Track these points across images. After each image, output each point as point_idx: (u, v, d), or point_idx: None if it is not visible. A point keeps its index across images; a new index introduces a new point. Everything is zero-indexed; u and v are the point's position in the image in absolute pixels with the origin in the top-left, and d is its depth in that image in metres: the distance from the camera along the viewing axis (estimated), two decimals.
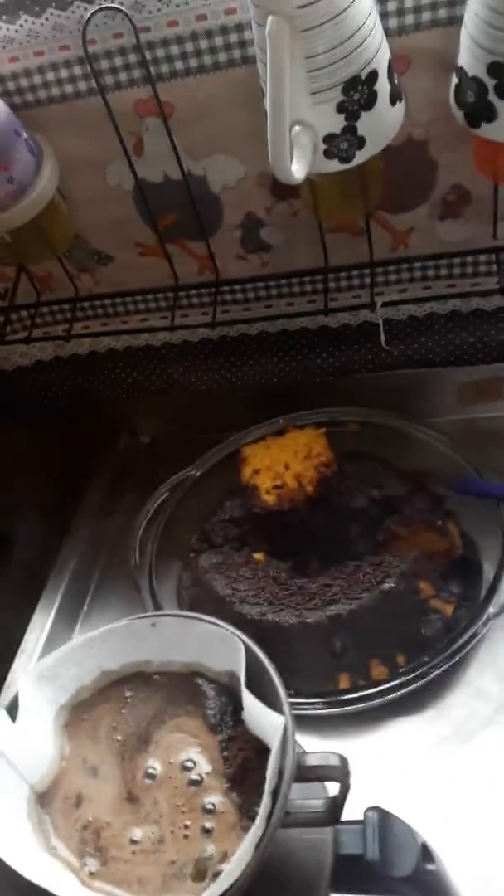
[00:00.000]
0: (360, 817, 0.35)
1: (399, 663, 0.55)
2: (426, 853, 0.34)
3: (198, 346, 0.76)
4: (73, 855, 0.30)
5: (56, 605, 0.69)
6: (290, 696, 0.53)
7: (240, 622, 0.51)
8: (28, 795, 0.31)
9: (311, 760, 0.29)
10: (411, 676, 0.53)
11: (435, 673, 0.54)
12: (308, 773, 0.29)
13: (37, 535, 0.79)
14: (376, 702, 0.54)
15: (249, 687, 0.31)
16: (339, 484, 0.63)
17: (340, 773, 0.28)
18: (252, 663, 0.31)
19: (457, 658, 0.54)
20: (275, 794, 0.27)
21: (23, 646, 0.66)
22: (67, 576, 0.72)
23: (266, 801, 0.27)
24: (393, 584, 0.55)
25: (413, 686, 0.54)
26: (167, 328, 0.68)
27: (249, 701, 0.30)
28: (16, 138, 0.55)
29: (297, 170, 0.48)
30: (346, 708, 0.53)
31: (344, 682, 0.54)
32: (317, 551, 0.63)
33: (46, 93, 0.58)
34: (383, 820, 0.34)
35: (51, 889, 0.28)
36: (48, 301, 0.73)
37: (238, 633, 0.32)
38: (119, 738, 0.33)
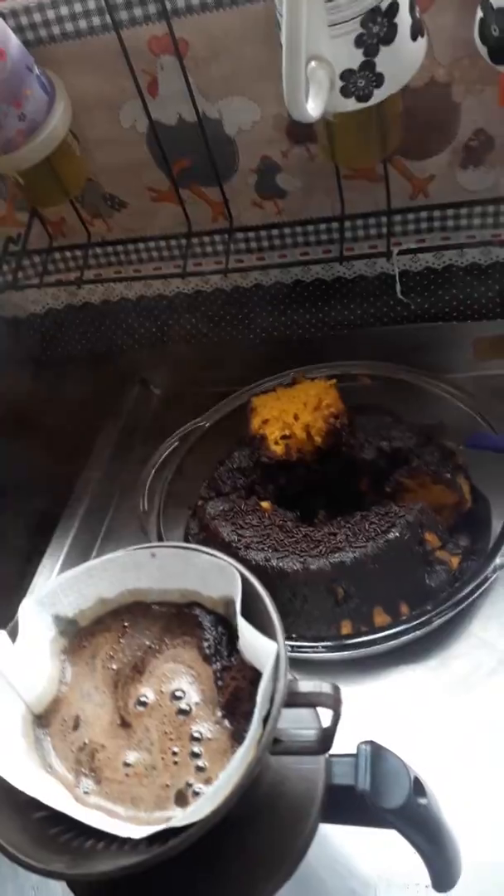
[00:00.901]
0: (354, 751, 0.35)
1: (402, 612, 0.55)
2: (418, 787, 0.34)
3: (211, 296, 0.76)
4: (70, 773, 0.31)
5: (65, 550, 0.70)
6: (292, 639, 0.54)
7: (244, 567, 0.51)
8: (24, 714, 0.32)
9: (304, 687, 0.29)
10: (414, 624, 0.53)
11: (438, 622, 0.54)
12: (299, 699, 0.29)
13: (47, 482, 0.79)
14: (378, 648, 0.54)
15: (245, 616, 0.31)
16: (348, 435, 0.62)
17: (332, 700, 0.29)
18: (248, 593, 0.32)
19: (461, 608, 0.54)
20: (265, 718, 0.28)
21: (31, 588, 0.67)
22: (77, 522, 0.72)
23: (255, 724, 0.27)
24: (397, 534, 0.54)
25: (416, 634, 0.54)
26: (179, 275, 0.67)
27: (244, 629, 0.31)
28: (28, 74, 0.54)
29: (313, 108, 0.47)
30: (347, 653, 0.53)
31: (346, 629, 0.55)
32: (324, 502, 0.63)
33: (60, 28, 0.57)
34: (376, 753, 0.34)
35: (48, 803, 0.28)
36: (61, 246, 0.73)
37: (235, 563, 0.32)
38: (115, 666, 0.34)
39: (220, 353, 0.79)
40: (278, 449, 0.62)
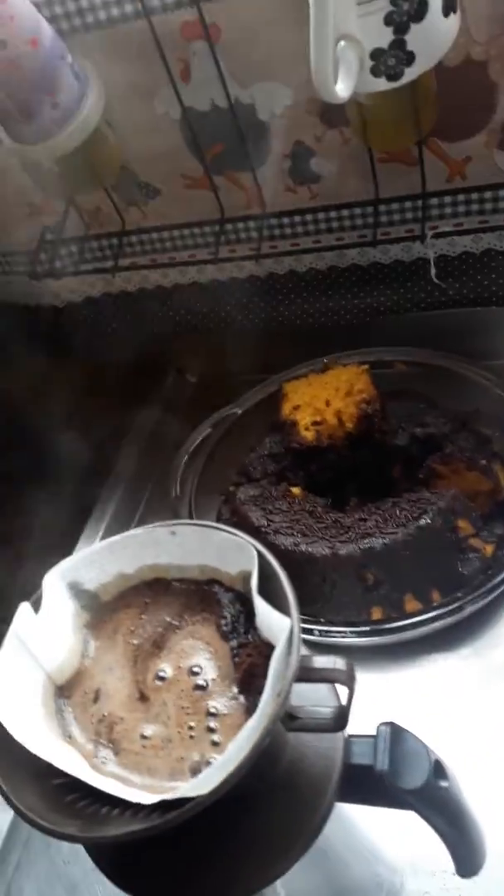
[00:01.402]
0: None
1: (434, 599, 0.54)
2: (439, 770, 0.34)
3: (245, 283, 0.76)
4: (89, 743, 0.31)
5: (100, 534, 0.71)
6: (320, 623, 0.54)
7: (273, 552, 0.51)
8: (45, 683, 0.32)
9: (318, 663, 0.29)
10: (445, 611, 0.53)
11: (470, 609, 0.53)
12: (313, 675, 0.29)
13: (83, 469, 0.80)
14: (409, 634, 0.53)
15: (262, 594, 0.31)
16: (380, 421, 0.62)
17: (346, 676, 0.28)
18: (265, 571, 0.32)
19: (493, 596, 0.53)
20: (278, 692, 0.28)
21: None
22: (112, 507, 0.73)
23: (266, 697, 0.27)
24: (429, 521, 0.54)
25: (447, 621, 0.53)
26: (210, 261, 0.67)
27: (260, 605, 0.31)
28: (61, 63, 0.55)
29: (342, 88, 0.47)
30: (377, 638, 0.53)
31: (377, 615, 0.54)
32: (355, 488, 0.62)
33: (92, 16, 0.58)
34: (396, 734, 0.34)
35: (64, 769, 0.29)
36: (96, 234, 0.73)
37: (252, 540, 0.32)
38: (136, 641, 0.34)
39: (255, 340, 0.79)
40: (309, 435, 0.62)
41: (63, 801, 0.29)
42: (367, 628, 0.54)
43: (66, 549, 0.71)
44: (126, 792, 0.27)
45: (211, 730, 0.31)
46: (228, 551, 0.34)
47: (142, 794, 0.27)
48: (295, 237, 0.70)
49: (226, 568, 0.34)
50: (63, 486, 0.80)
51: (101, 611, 0.35)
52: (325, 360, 0.68)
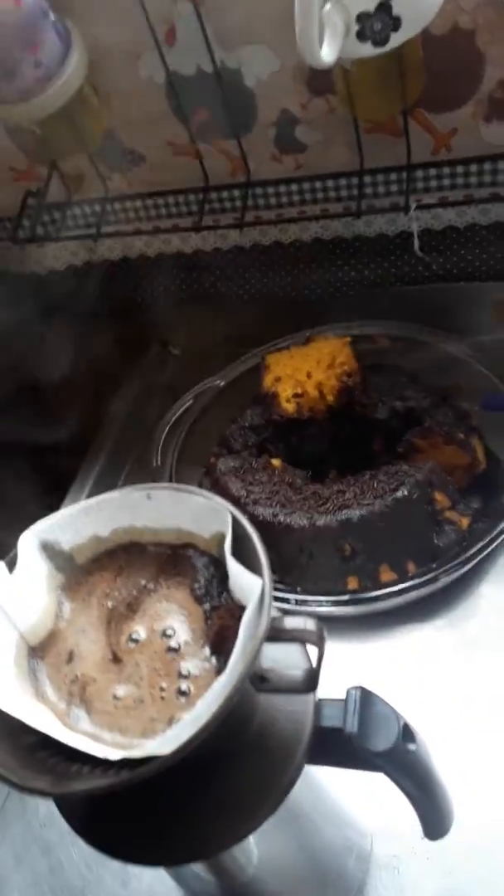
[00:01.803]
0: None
1: (409, 570, 0.55)
2: (407, 733, 0.35)
3: (229, 253, 0.75)
4: (62, 702, 0.32)
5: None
6: (297, 593, 0.55)
7: (252, 523, 0.51)
8: (18, 643, 0.32)
9: (288, 623, 0.29)
10: (420, 581, 0.53)
11: (445, 580, 0.54)
12: (283, 635, 0.29)
13: (64, 439, 0.80)
14: (384, 604, 0.54)
15: (237, 557, 0.31)
16: (361, 394, 0.62)
17: (315, 636, 0.29)
18: (238, 534, 0.32)
19: (468, 567, 0.54)
20: (247, 650, 0.28)
21: None
22: (93, 478, 0.74)
23: (236, 656, 0.27)
24: (406, 492, 0.54)
25: (422, 592, 0.54)
26: (193, 228, 0.66)
27: (233, 567, 0.31)
28: (43, 19, 0.54)
29: (327, 53, 0.46)
30: (353, 608, 0.54)
31: (353, 584, 0.55)
32: (334, 460, 0.63)
33: None
34: (365, 697, 0.34)
35: (35, 726, 0.29)
36: (79, 200, 0.72)
37: (226, 504, 0.32)
38: (110, 604, 0.34)
39: (239, 312, 0.79)
40: (289, 407, 0.62)
41: (34, 757, 0.29)
42: (343, 598, 0.54)
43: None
44: (94, 748, 0.28)
45: (182, 692, 0.31)
46: (203, 515, 0.34)
47: (109, 750, 0.27)
48: (280, 207, 0.70)
49: (200, 532, 0.34)
50: (43, 457, 0.79)
51: (75, 573, 0.35)
52: (307, 334, 0.68)
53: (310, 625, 0.29)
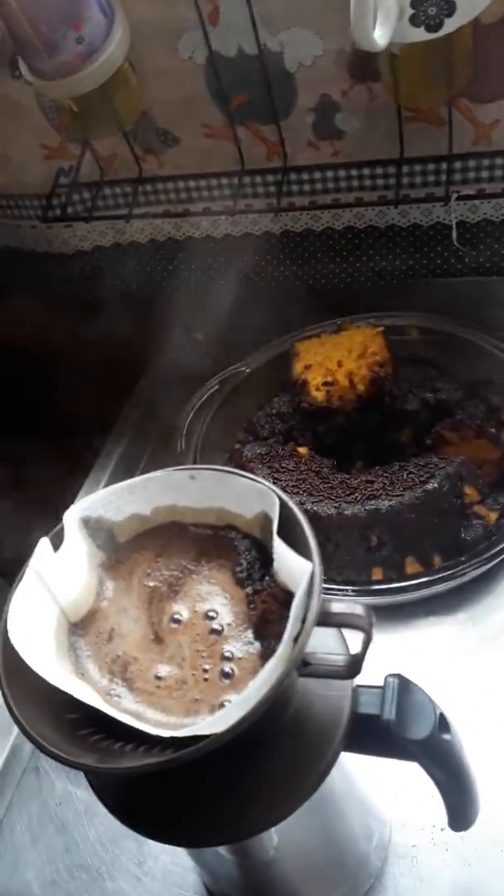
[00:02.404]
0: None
1: (435, 563, 0.55)
2: (443, 723, 0.34)
3: (260, 239, 0.74)
4: (104, 679, 0.31)
5: (101, 486, 0.70)
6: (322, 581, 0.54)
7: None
8: (59, 618, 0.32)
9: (336, 608, 0.29)
10: (445, 575, 0.53)
11: (470, 575, 0.53)
12: (331, 619, 0.29)
13: (86, 421, 0.80)
14: (408, 596, 0.54)
15: (281, 539, 0.31)
16: (392, 385, 0.61)
17: (364, 622, 0.29)
18: (285, 518, 0.31)
19: (494, 563, 0.54)
20: (296, 637, 0.28)
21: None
22: (114, 460, 0.73)
23: (287, 639, 0.27)
24: (436, 485, 0.54)
25: (447, 585, 0.54)
26: (229, 212, 0.66)
27: (281, 549, 0.31)
28: None
29: (380, 35, 0.46)
30: (376, 598, 0.53)
31: (377, 575, 0.54)
32: (362, 451, 0.62)
33: None
34: (403, 685, 0.34)
35: (83, 699, 0.29)
36: (110, 181, 0.72)
37: (273, 487, 0.32)
38: (151, 584, 0.34)
39: (266, 299, 0.78)
40: (319, 395, 0.61)
41: (77, 734, 0.29)
42: (368, 588, 0.54)
43: (68, 500, 0.71)
44: (145, 726, 0.28)
45: (226, 673, 0.31)
46: (247, 496, 0.33)
47: (159, 729, 0.27)
48: (313, 194, 0.69)
49: (243, 512, 0.34)
50: (65, 438, 0.79)
51: (116, 551, 0.35)
52: (338, 321, 0.67)
53: (357, 609, 0.29)
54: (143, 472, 0.72)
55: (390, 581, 0.54)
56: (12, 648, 0.29)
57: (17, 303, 0.79)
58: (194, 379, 0.75)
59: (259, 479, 0.33)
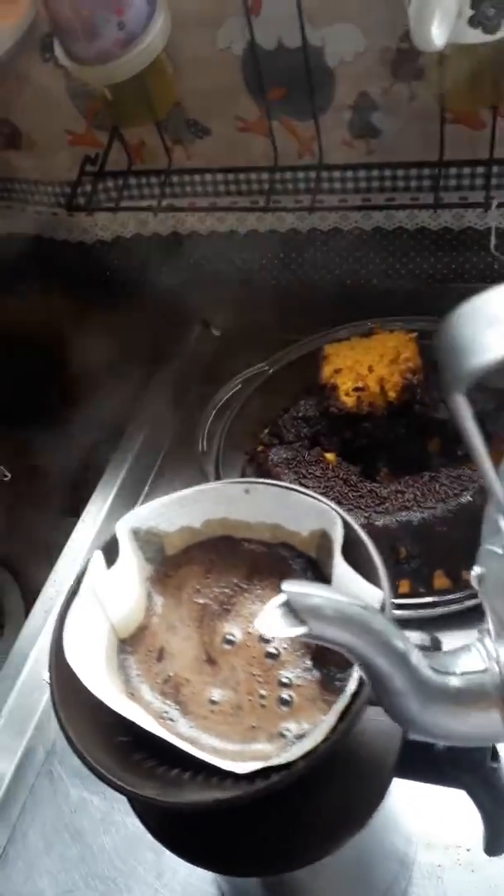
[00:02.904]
0: None
1: (463, 577, 0.54)
2: (494, 751, 0.34)
3: (285, 236, 0.73)
4: (156, 701, 0.30)
5: (117, 483, 0.69)
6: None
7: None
8: (109, 636, 0.31)
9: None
10: (473, 592, 0.52)
11: None
12: None
13: (101, 417, 0.78)
14: (435, 611, 0.53)
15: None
16: (423, 393, 0.60)
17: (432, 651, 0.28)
18: (349, 538, 0.30)
19: None
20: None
21: (83, 516, 0.66)
22: (131, 456, 0.71)
23: (356, 673, 0.26)
24: (470, 498, 0.53)
25: (475, 602, 0.53)
26: (261, 209, 0.64)
27: (346, 573, 0.30)
28: None
29: (437, 35, 0.44)
30: (402, 612, 0.53)
31: (404, 588, 0.54)
32: (391, 459, 0.61)
33: None
34: None
35: (143, 724, 0.27)
36: (136, 171, 0.70)
37: (334, 505, 0.31)
38: (201, 601, 0.33)
39: (288, 297, 0.77)
40: (349, 400, 0.60)
41: (131, 759, 0.28)
42: (393, 601, 0.53)
43: (83, 496, 0.69)
44: (212, 759, 0.26)
45: (284, 701, 0.30)
46: (304, 514, 0.32)
47: (228, 763, 0.26)
48: (344, 193, 0.68)
49: (299, 530, 0.33)
50: (78, 434, 0.77)
51: (164, 565, 0.34)
52: (370, 324, 0.66)
53: (426, 640, 0.28)
54: (158, 471, 0.72)
55: (417, 595, 0.53)
56: (65, 669, 0.28)
57: (35, 291, 0.77)
58: (210, 376, 0.74)
59: (319, 497, 0.32)
